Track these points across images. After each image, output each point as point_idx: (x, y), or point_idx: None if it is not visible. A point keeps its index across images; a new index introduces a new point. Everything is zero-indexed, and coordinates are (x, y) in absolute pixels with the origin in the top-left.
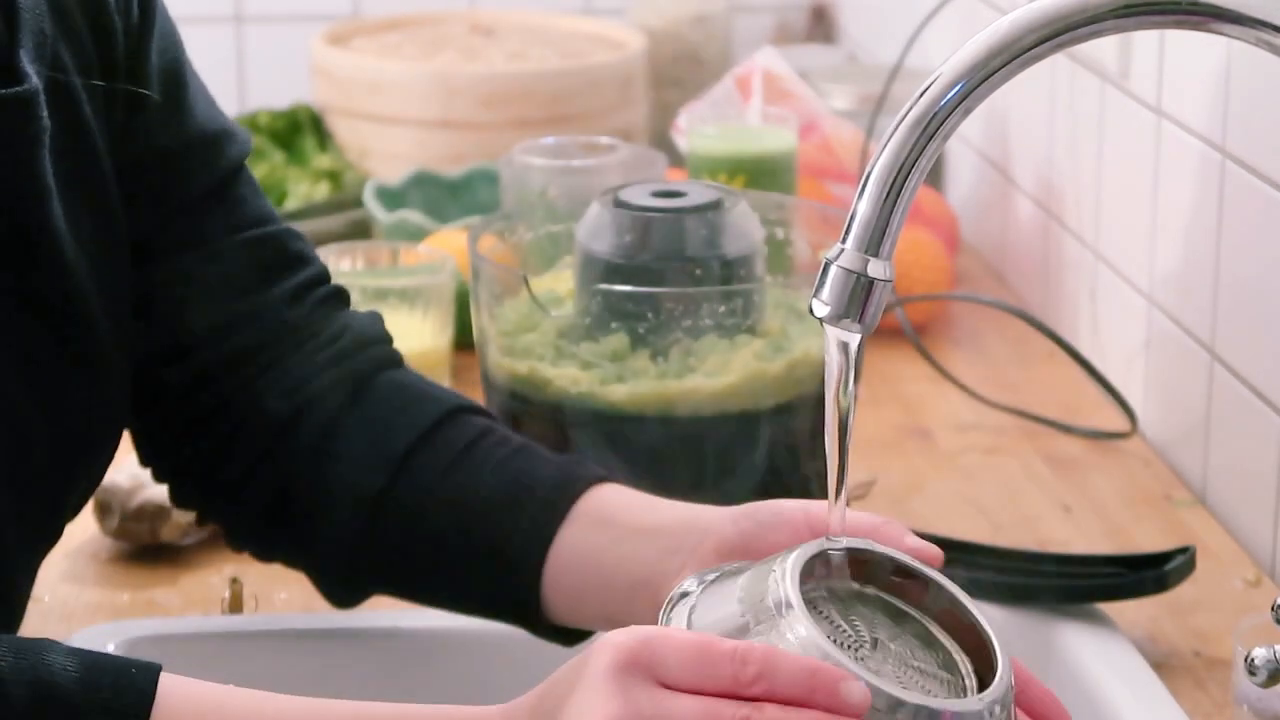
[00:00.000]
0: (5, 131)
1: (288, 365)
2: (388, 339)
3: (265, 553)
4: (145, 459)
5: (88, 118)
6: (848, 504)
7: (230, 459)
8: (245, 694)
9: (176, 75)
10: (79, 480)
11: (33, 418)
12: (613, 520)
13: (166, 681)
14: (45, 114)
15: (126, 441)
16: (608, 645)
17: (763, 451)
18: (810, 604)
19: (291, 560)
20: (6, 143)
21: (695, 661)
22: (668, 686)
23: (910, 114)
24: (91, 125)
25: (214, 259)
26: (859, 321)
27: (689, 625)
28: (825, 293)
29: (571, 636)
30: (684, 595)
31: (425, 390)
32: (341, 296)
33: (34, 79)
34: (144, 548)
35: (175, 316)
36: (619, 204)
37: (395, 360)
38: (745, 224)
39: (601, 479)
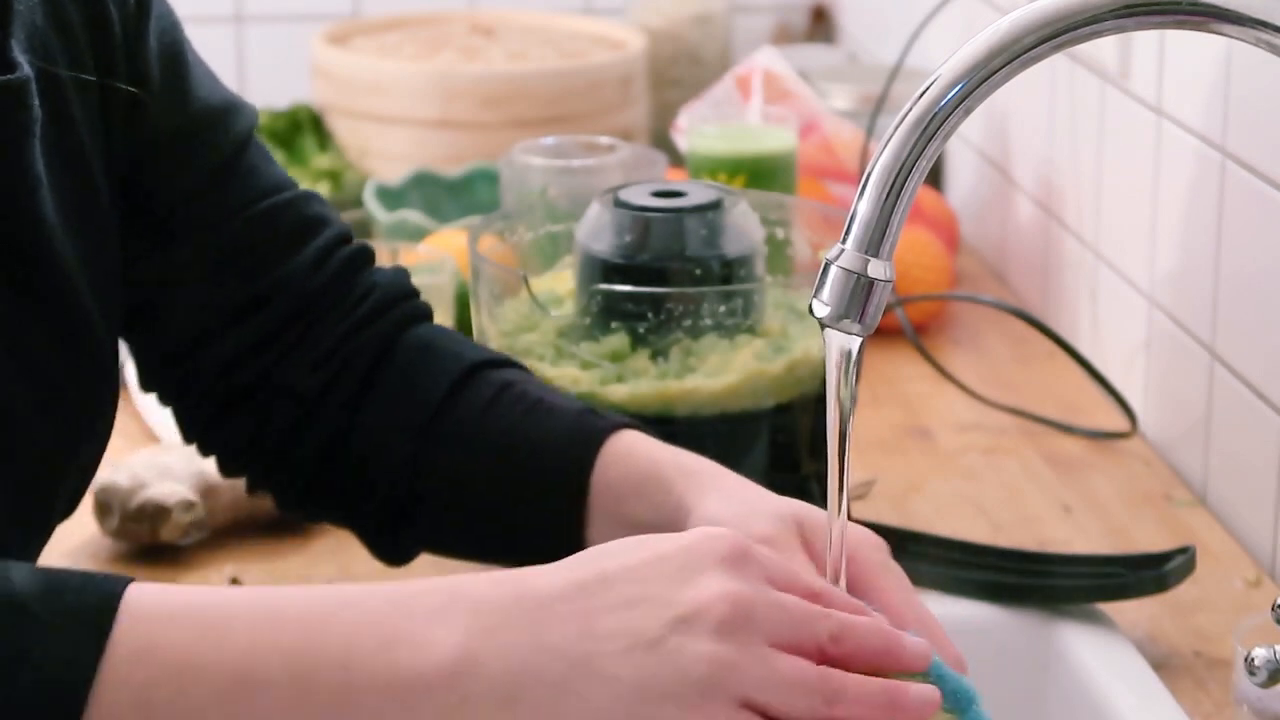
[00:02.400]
0: None
1: (314, 336)
2: (414, 293)
3: (311, 517)
4: (187, 438)
5: (75, 114)
6: (848, 504)
7: (268, 434)
8: (210, 590)
9: (176, 57)
10: (71, 470)
11: (24, 408)
12: (621, 515)
13: (135, 588)
14: (36, 103)
15: (124, 441)
16: (717, 536)
17: (763, 451)
18: None
19: (340, 524)
20: None
21: (787, 570)
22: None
23: (910, 114)
24: (78, 121)
25: (232, 236)
26: (859, 322)
27: None
28: (825, 293)
29: None
30: None
31: (446, 347)
32: (365, 253)
33: (25, 68)
34: (144, 548)
35: (202, 299)
36: (619, 204)
37: (421, 314)
38: (745, 224)
39: (621, 425)
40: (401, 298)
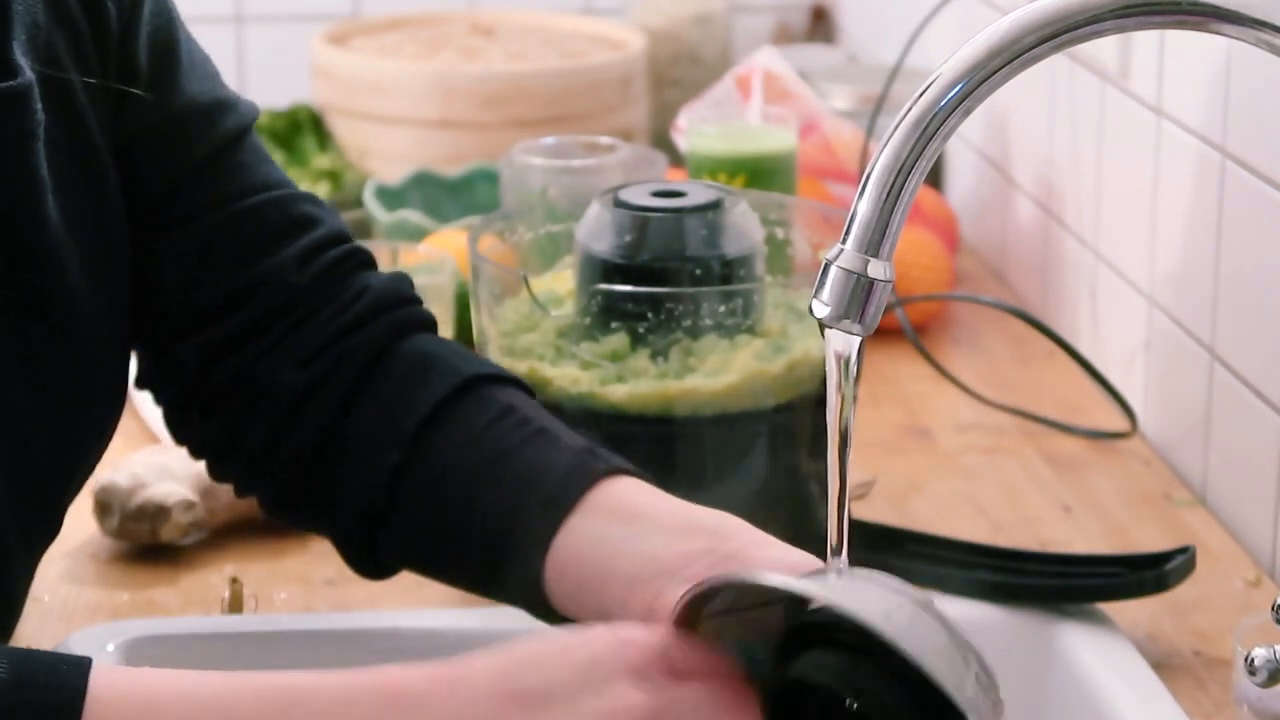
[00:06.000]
0: None
1: (302, 334)
2: (413, 300)
3: (298, 523)
4: (178, 438)
5: (83, 108)
6: (848, 504)
7: (251, 434)
8: (171, 677)
9: (167, 50)
10: (75, 474)
11: (27, 412)
12: (634, 512)
13: (98, 676)
14: (39, 107)
15: (124, 441)
16: (628, 643)
17: (763, 451)
18: None
19: (320, 532)
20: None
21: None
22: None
23: (910, 114)
24: (88, 115)
25: (214, 230)
26: (859, 322)
27: None
28: (825, 293)
29: None
30: None
31: (444, 359)
32: (359, 256)
33: (27, 73)
34: (144, 548)
35: (181, 292)
36: (619, 204)
37: (420, 322)
38: (745, 224)
39: (622, 470)
40: (399, 303)
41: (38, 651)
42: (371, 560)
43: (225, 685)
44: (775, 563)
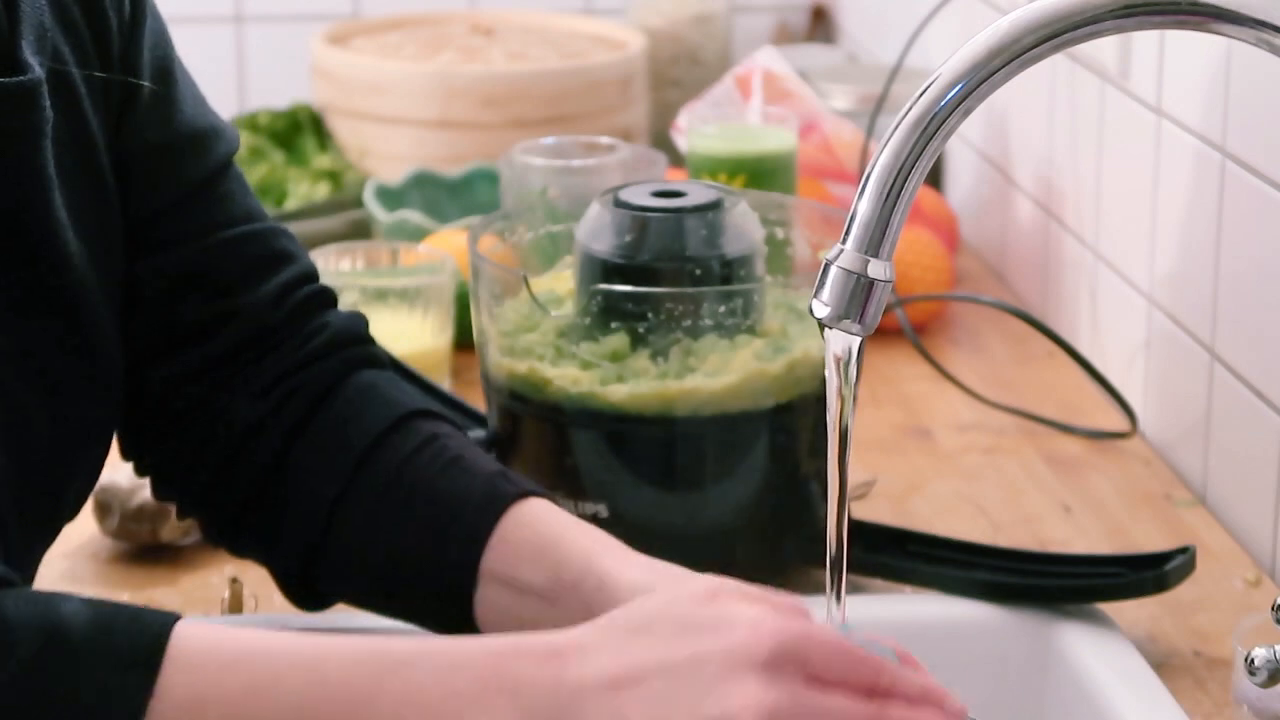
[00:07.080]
0: (8, 122)
1: (262, 367)
2: (367, 339)
3: (236, 551)
4: (126, 453)
5: (87, 109)
6: (848, 504)
7: (203, 459)
8: (259, 634)
9: (166, 72)
10: (78, 473)
11: (32, 409)
12: (513, 579)
13: (182, 628)
14: (48, 104)
15: None
16: (765, 635)
17: (763, 451)
18: None
19: (259, 560)
20: (9, 133)
21: (840, 659)
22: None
23: (910, 114)
24: (90, 117)
25: (198, 256)
26: (859, 322)
27: None
28: (825, 293)
29: None
30: None
31: (384, 394)
32: (326, 296)
33: (36, 69)
34: (144, 548)
35: (157, 315)
36: (619, 204)
37: (372, 360)
38: (745, 224)
39: (528, 493)
40: (353, 341)
41: (124, 604)
42: (309, 593)
43: (315, 646)
44: (637, 583)
